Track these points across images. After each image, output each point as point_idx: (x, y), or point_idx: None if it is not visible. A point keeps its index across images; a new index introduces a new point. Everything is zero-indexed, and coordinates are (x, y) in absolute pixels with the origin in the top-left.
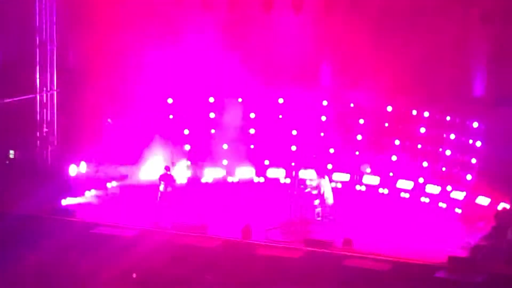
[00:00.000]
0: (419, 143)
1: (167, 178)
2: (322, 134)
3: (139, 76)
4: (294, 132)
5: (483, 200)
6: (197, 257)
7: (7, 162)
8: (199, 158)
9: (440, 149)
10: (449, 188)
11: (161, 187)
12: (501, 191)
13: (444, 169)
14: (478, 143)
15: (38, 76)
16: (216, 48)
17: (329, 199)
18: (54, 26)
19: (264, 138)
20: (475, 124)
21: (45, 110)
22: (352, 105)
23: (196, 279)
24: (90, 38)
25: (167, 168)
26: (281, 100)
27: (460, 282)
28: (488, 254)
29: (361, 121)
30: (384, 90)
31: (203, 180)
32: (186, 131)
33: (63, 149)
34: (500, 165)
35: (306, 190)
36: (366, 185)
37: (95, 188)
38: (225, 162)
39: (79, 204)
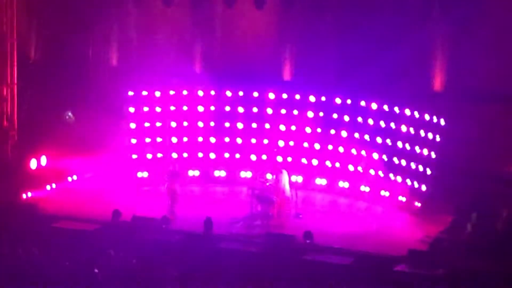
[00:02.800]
0: (379, 136)
1: (174, 174)
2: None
3: (101, 69)
4: (254, 126)
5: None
6: (159, 251)
7: None
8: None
9: (400, 144)
10: (408, 182)
11: (170, 184)
12: (461, 185)
13: (404, 163)
14: (438, 138)
15: None
16: (179, 43)
17: (287, 191)
18: (15, 19)
19: (225, 130)
20: (435, 119)
21: (5, 104)
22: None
23: (158, 274)
24: (51, 31)
25: (174, 165)
26: (241, 93)
27: (419, 276)
28: (448, 247)
29: (321, 114)
30: (346, 85)
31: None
32: (147, 125)
33: (23, 143)
34: (460, 160)
35: (268, 184)
36: (327, 179)
37: (56, 182)
38: (185, 155)
39: (40, 198)
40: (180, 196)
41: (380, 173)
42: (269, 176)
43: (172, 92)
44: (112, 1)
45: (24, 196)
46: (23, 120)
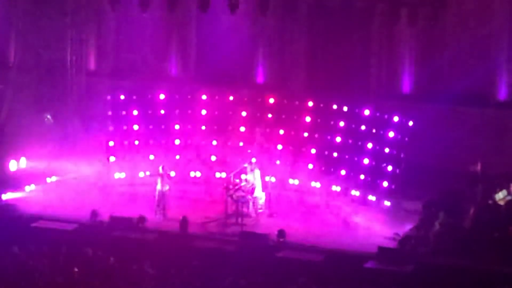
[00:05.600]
0: (350, 138)
1: (164, 176)
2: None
3: (79, 73)
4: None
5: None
6: (135, 250)
7: None
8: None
9: (370, 144)
10: (378, 181)
11: (158, 186)
12: (429, 184)
13: (374, 163)
14: (405, 138)
15: None
16: (155, 47)
17: (258, 191)
18: None
19: (201, 133)
20: (403, 120)
21: None
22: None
23: (135, 272)
24: (31, 34)
25: (164, 167)
26: (217, 97)
27: (389, 272)
28: (416, 245)
29: (294, 117)
30: (315, 87)
31: (141, 175)
32: (124, 127)
33: (3, 145)
34: (428, 160)
35: (242, 184)
36: (299, 178)
37: (35, 183)
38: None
39: (20, 199)
40: (169, 197)
41: (351, 174)
42: (243, 176)
43: (149, 96)
44: (90, 6)
45: (3, 197)
46: (2, 123)
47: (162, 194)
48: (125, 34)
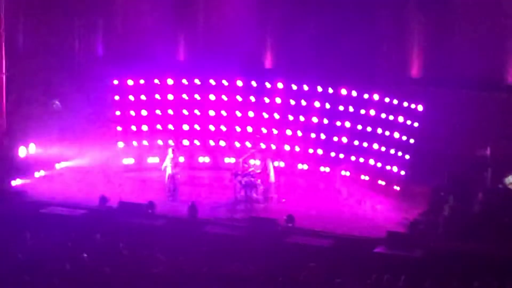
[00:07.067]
0: (359, 124)
1: (172, 159)
2: (265, 115)
3: (86, 58)
4: (238, 114)
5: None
6: (145, 235)
7: None
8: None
9: (379, 130)
10: (388, 167)
11: (169, 169)
12: (438, 169)
13: (383, 149)
14: (416, 124)
15: None
16: (163, 32)
17: (271, 177)
18: (3, 10)
19: (209, 118)
20: (413, 105)
21: None
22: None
23: (144, 258)
24: (39, 21)
25: (174, 150)
26: (225, 82)
27: (398, 257)
28: (426, 229)
29: (303, 102)
30: (327, 73)
31: (149, 161)
32: (132, 113)
33: (12, 131)
34: (437, 145)
35: (250, 169)
36: (308, 163)
37: (44, 169)
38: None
39: (29, 185)
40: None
41: (361, 159)
42: (252, 161)
43: (156, 81)
44: None
45: (13, 183)
46: (12, 109)
47: (172, 177)
48: (133, 19)
